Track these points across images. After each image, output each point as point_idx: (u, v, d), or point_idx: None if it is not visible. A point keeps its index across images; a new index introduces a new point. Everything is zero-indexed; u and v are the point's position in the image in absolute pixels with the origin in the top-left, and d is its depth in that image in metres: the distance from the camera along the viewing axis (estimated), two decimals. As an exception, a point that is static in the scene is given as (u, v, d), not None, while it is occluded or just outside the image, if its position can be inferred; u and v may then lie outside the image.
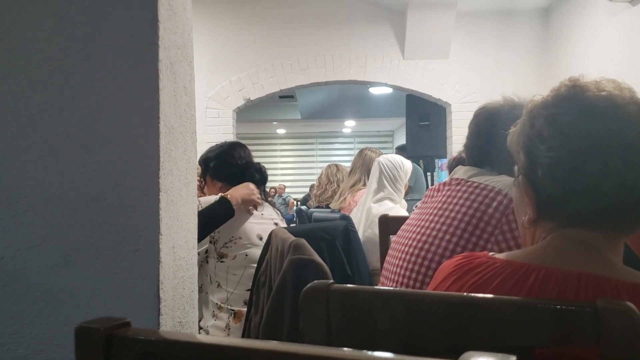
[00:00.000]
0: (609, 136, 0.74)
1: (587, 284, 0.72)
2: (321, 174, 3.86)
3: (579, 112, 0.77)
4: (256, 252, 1.96)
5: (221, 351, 0.46)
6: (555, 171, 0.78)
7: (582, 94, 0.79)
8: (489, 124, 1.52)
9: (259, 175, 2.26)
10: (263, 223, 2.14)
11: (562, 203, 0.79)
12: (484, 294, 0.76)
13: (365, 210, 2.78)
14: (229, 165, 2.24)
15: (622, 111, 0.76)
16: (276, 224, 2.20)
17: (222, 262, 2.04)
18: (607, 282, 0.72)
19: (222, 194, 2.03)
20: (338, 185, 3.61)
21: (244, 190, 2.09)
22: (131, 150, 1.04)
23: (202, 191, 2.35)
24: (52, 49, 1.05)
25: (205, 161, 2.30)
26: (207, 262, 2.08)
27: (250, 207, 2.13)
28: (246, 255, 2.04)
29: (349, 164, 3.72)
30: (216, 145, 2.35)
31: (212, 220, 1.97)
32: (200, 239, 1.94)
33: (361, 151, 3.37)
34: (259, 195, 2.15)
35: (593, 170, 0.74)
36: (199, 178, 2.28)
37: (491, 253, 0.86)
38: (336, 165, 3.83)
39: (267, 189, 2.41)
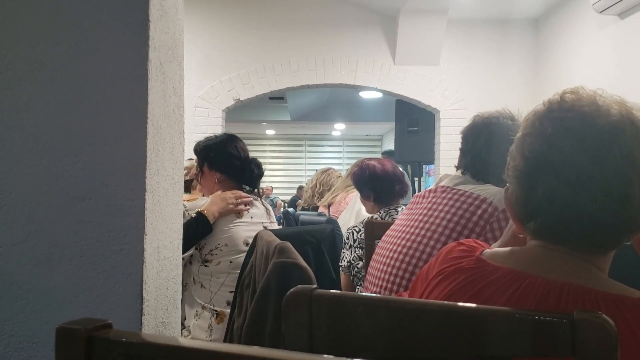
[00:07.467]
0: (559, 156, 0.75)
1: (568, 294, 0.73)
2: (312, 177, 3.89)
3: (540, 135, 0.78)
4: (241, 259, 1.89)
5: (203, 355, 0.46)
6: (516, 188, 0.81)
7: (551, 113, 0.79)
8: (482, 133, 1.54)
9: (257, 170, 2.19)
10: (251, 229, 2.05)
11: (525, 218, 0.81)
12: (468, 295, 0.77)
13: (355, 213, 2.80)
14: (231, 157, 2.15)
15: (589, 129, 0.75)
16: (265, 227, 2.11)
17: (206, 266, 2.02)
18: (588, 292, 0.73)
19: (200, 210, 1.96)
20: (327, 189, 3.63)
21: (220, 203, 2.00)
22: (118, 150, 1.04)
23: (198, 181, 2.24)
24: (41, 46, 1.05)
25: (203, 150, 2.19)
26: (191, 263, 2.05)
27: (241, 208, 2.06)
28: (230, 262, 2.00)
29: (337, 167, 3.75)
30: (213, 135, 2.24)
31: (189, 239, 1.87)
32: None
33: (356, 162, 3.48)
34: (238, 201, 2.05)
35: (543, 189, 0.76)
36: (191, 170, 2.21)
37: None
38: (327, 169, 3.87)
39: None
